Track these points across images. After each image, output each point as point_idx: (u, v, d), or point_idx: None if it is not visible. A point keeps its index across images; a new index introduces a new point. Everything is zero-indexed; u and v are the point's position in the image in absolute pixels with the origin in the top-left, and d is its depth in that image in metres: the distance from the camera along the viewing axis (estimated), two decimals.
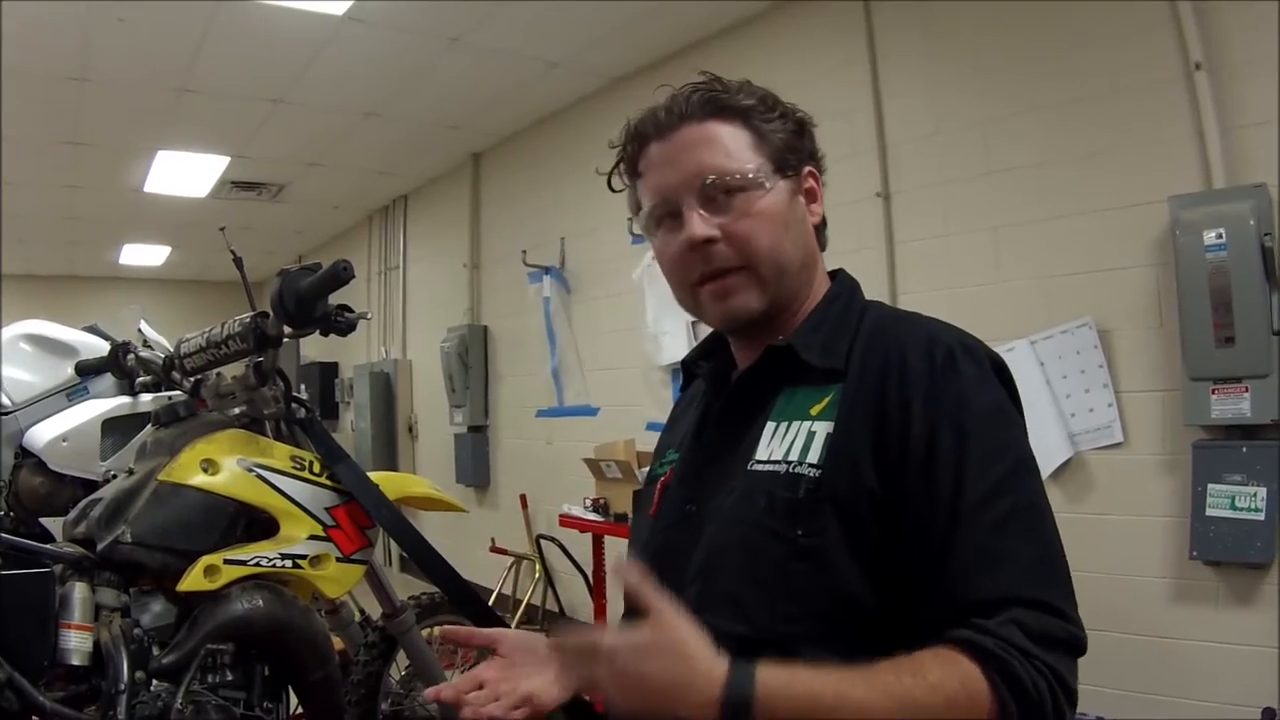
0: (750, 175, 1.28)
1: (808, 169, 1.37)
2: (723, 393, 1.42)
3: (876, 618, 1.13)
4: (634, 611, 1.13)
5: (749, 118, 1.32)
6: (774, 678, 1.02)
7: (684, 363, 1.60)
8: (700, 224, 1.27)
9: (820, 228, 1.41)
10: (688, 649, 1.05)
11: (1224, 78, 3.40)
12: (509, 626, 2.71)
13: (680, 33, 5.56)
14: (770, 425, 1.29)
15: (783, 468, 1.22)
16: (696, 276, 1.31)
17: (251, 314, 2.52)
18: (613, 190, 1.44)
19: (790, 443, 1.24)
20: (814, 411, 1.25)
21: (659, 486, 1.46)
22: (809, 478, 1.19)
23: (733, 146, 1.29)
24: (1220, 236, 3.25)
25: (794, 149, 1.34)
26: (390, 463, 9.22)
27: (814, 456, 1.20)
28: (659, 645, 1.06)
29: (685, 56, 5.70)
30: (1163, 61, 3.53)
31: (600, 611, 5.76)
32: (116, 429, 3.63)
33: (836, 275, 1.44)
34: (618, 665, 1.06)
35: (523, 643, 1.38)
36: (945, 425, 1.15)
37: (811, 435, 1.23)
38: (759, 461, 1.26)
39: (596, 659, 1.08)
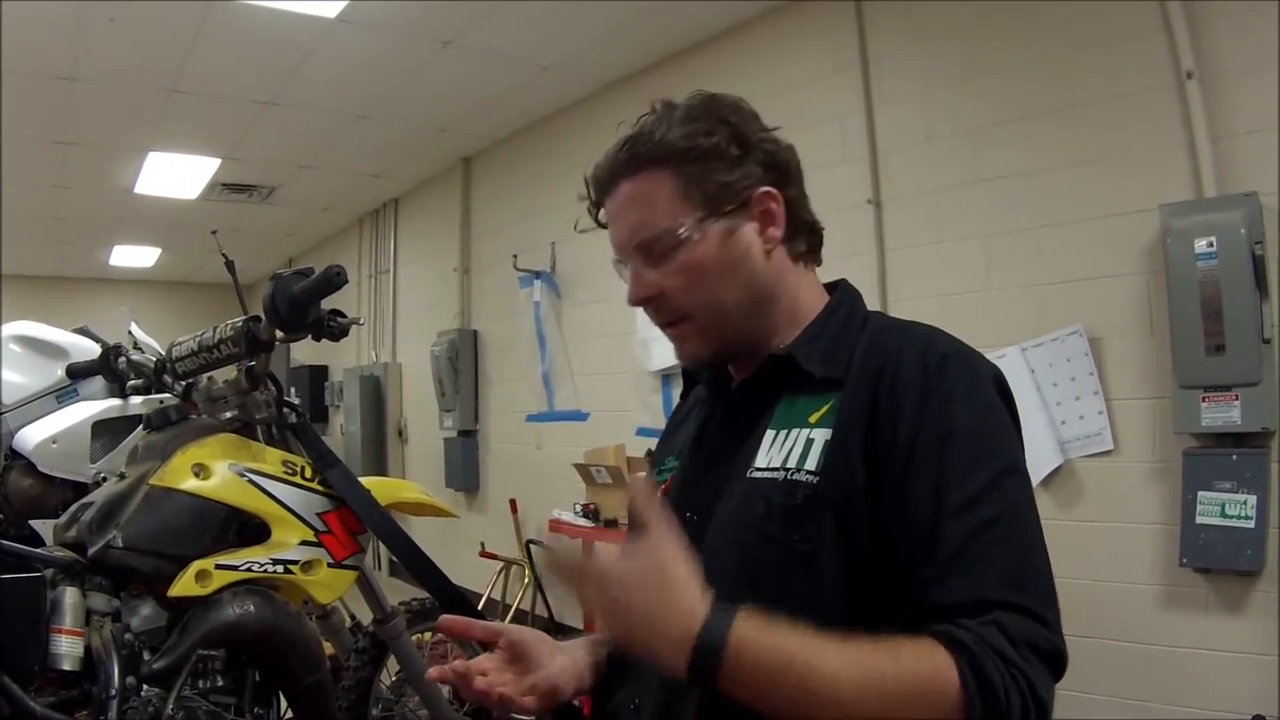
0: (674, 232, 1.27)
1: (760, 191, 1.31)
2: (723, 401, 1.43)
3: (873, 621, 1.12)
4: (638, 530, 1.14)
5: (679, 162, 1.28)
6: (750, 628, 1.03)
7: (685, 370, 1.60)
8: (636, 285, 1.33)
9: (797, 239, 1.37)
10: (674, 583, 1.07)
11: (1216, 86, 3.41)
12: None
13: (672, 38, 5.57)
14: (770, 433, 1.28)
15: (781, 474, 1.23)
16: (657, 321, 1.36)
17: (244, 318, 2.51)
18: (601, 225, 1.44)
19: (789, 450, 1.24)
20: (813, 419, 1.25)
21: (659, 494, 1.45)
22: (807, 484, 1.19)
23: (660, 203, 1.28)
24: (1211, 245, 3.26)
25: (729, 185, 1.29)
26: (380, 467, 9.21)
27: (812, 463, 1.20)
28: (646, 575, 1.07)
29: (677, 61, 5.71)
30: (1155, 69, 3.55)
31: (591, 617, 5.74)
32: (106, 431, 3.62)
33: (838, 285, 1.42)
34: (605, 590, 1.08)
35: (523, 638, 1.38)
36: (930, 429, 1.15)
37: (810, 443, 1.23)
38: (758, 469, 1.26)
39: (585, 580, 1.11)
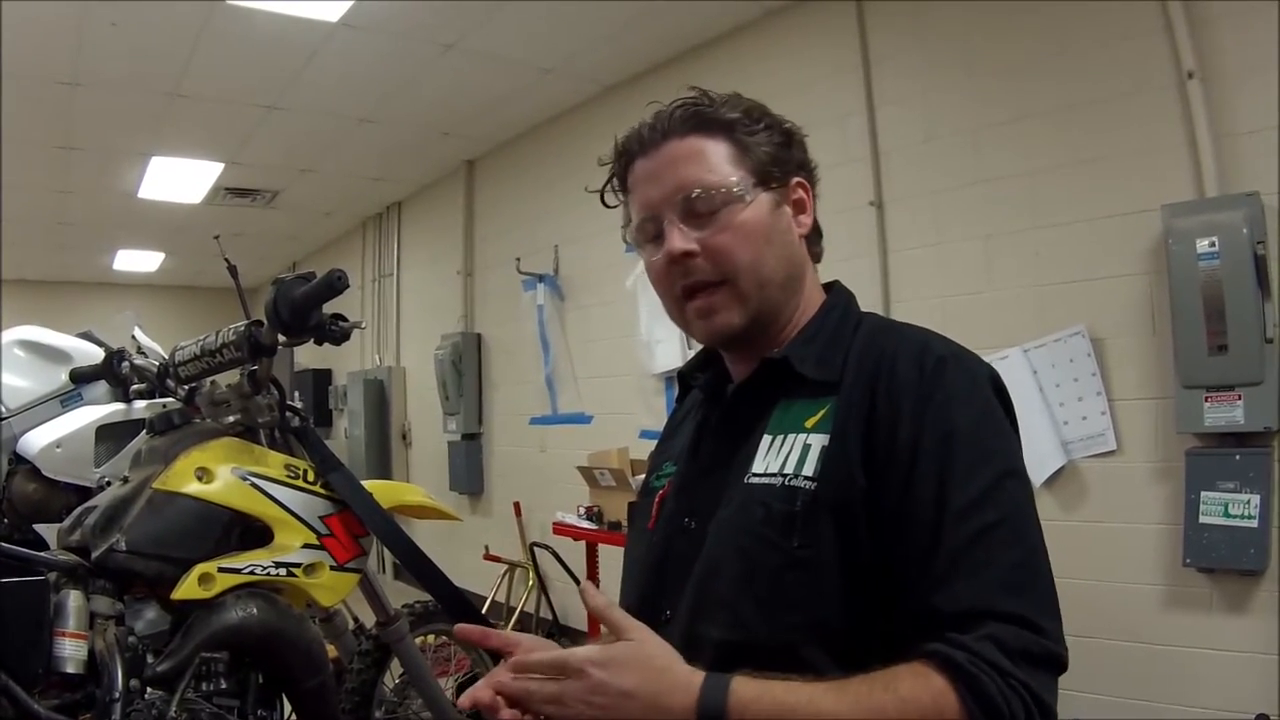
0: (730, 189, 1.28)
1: (795, 180, 1.37)
2: (719, 405, 1.42)
3: (872, 626, 1.13)
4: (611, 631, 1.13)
5: (732, 131, 1.32)
6: (748, 688, 1.03)
7: (680, 375, 1.59)
8: (679, 238, 1.28)
9: (813, 238, 1.41)
10: (660, 661, 1.08)
11: (1217, 86, 3.41)
12: None
13: (674, 40, 5.57)
14: (767, 438, 1.28)
15: (779, 480, 1.22)
16: (679, 290, 1.32)
17: (246, 322, 2.51)
18: (606, 206, 1.44)
19: (786, 455, 1.24)
20: (809, 424, 1.25)
21: (656, 500, 1.45)
22: (806, 490, 1.19)
23: (714, 160, 1.30)
24: (1213, 245, 3.26)
25: (779, 161, 1.34)
26: (384, 470, 9.22)
27: (810, 469, 1.20)
28: (631, 658, 1.07)
29: (679, 63, 5.71)
30: (1156, 69, 3.55)
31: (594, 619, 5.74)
32: (110, 435, 3.63)
33: (832, 287, 1.43)
34: (590, 680, 1.05)
35: (538, 648, 1.37)
36: (930, 433, 1.15)
37: (807, 448, 1.23)
38: (756, 474, 1.26)
39: (565, 674, 1.07)
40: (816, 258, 1.43)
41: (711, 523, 1.28)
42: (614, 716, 1.05)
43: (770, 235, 1.31)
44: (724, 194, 1.28)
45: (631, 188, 1.37)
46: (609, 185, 1.42)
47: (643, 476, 1.61)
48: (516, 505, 7.14)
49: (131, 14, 4.87)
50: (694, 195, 1.28)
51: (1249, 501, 3.24)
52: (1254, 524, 3.23)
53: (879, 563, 1.14)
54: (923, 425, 1.16)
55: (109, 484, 2.69)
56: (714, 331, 1.33)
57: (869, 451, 1.17)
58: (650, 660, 1.07)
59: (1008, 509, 1.12)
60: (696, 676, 1.05)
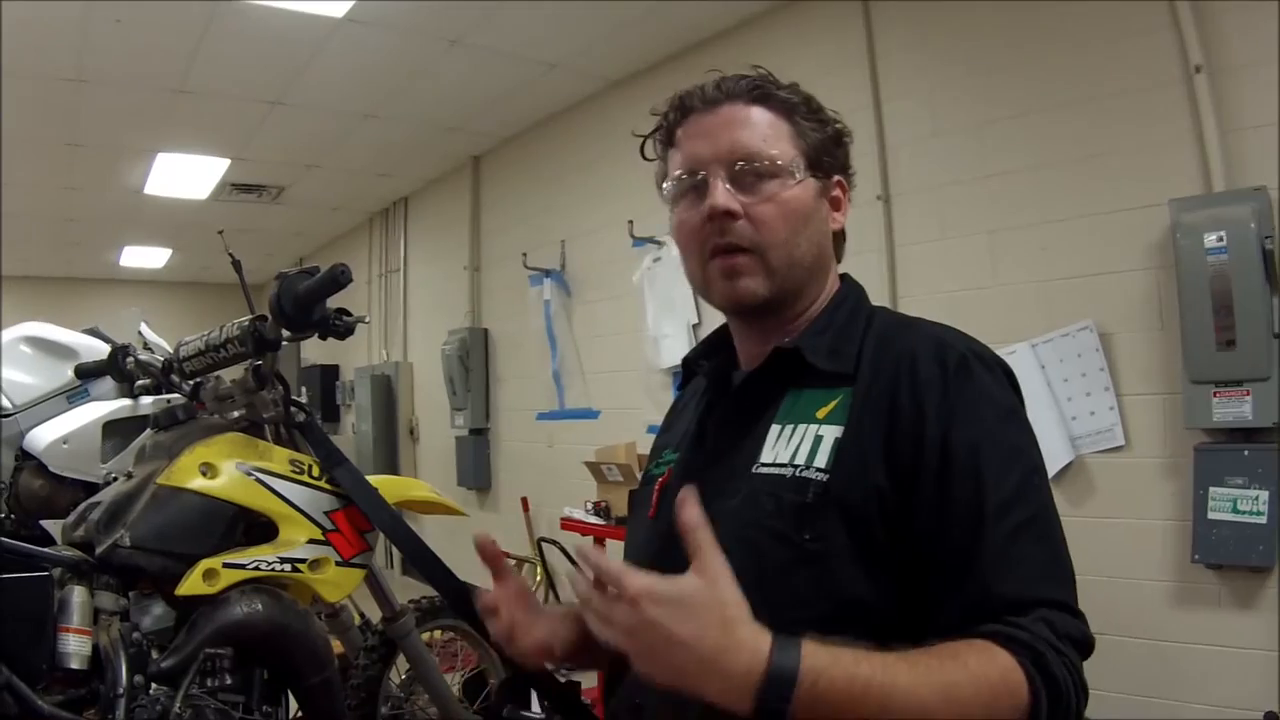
0: (782, 162, 1.30)
1: (837, 178, 1.39)
2: (725, 393, 1.42)
3: (880, 622, 1.13)
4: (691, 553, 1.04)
5: (793, 112, 1.34)
6: (819, 656, 0.96)
7: (685, 361, 1.59)
8: (724, 195, 1.28)
9: (839, 238, 1.42)
10: (730, 611, 0.98)
11: (1224, 80, 3.40)
12: None
13: (679, 34, 5.56)
14: (775, 428, 1.28)
15: (789, 471, 1.22)
16: (710, 248, 1.31)
17: (250, 318, 2.51)
18: (645, 158, 1.45)
19: (796, 446, 1.24)
20: (820, 415, 1.24)
21: (656, 487, 1.44)
22: (817, 482, 1.19)
23: (772, 133, 1.32)
24: (1221, 239, 3.25)
25: (828, 154, 1.36)
26: (391, 466, 9.22)
27: (822, 460, 1.20)
28: (698, 601, 0.97)
29: (684, 58, 5.69)
30: (1162, 64, 3.53)
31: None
32: (117, 431, 3.64)
33: (842, 279, 1.44)
34: (646, 614, 0.96)
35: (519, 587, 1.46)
36: (961, 431, 1.16)
37: (819, 439, 1.22)
38: (764, 464, 1.25)
39: (623, 595, 0.97)
40: (838, 257, 1.44)
41: (714, 512, 1.27)
42: (667, 657, 0.96)
43: (810, 218, 1.33)
44: (776, 166, 1.30)
45: (679, 142, 1.37)
46: (654, 137, 1.43)
47: None
48: (524, 500, 7.14)
49: (136, 11, 4.87)
50: (746, 160, 1.29)
51: (1258, 497, 3.22)
52: (1263, 520, 3.21)
53: (896, 558, 1.15)
54: (951, 425, 1.17)
55: (115, 480, 2.69)
56: (736, 295, 1.32)
57: (891, 451, 1.18)
58: (720, 608, 0.97)
59: (1037, 506, 1.16)
60: (764, 637, 0.96)
